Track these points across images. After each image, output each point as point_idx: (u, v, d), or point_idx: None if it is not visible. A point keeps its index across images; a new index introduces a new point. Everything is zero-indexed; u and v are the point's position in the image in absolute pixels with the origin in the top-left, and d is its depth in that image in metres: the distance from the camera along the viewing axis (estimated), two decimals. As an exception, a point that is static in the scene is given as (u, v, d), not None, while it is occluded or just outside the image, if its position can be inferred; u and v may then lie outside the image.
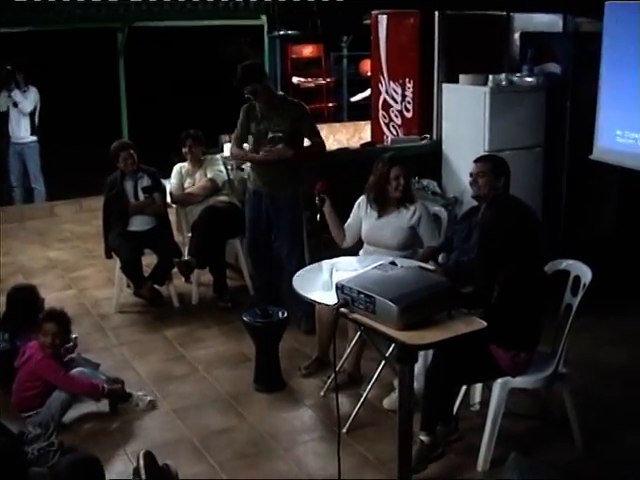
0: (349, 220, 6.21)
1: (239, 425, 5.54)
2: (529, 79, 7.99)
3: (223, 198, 7.91)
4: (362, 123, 11.34)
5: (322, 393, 5.91)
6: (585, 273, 4.96)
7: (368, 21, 9.37)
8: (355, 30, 10.94)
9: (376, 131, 9.55)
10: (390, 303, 3.72)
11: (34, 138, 11.35)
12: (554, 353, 4.98)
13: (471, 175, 5.74)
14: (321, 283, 4.91)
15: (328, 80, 15.22)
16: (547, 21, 8.36)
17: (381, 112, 9.34)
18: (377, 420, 5.50)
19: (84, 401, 5.73)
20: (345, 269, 5.09)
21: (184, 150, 7.94)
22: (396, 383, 5.60)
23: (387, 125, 9.26)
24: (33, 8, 9.35)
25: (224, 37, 12.86)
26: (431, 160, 8.30)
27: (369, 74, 10.54)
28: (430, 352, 5.00)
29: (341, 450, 4.46)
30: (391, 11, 8.94)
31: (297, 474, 4.94)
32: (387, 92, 9.17)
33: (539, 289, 4.79)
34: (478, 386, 5.46)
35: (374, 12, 9.10)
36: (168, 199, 7.97)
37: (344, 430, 5.25)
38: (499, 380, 4.86)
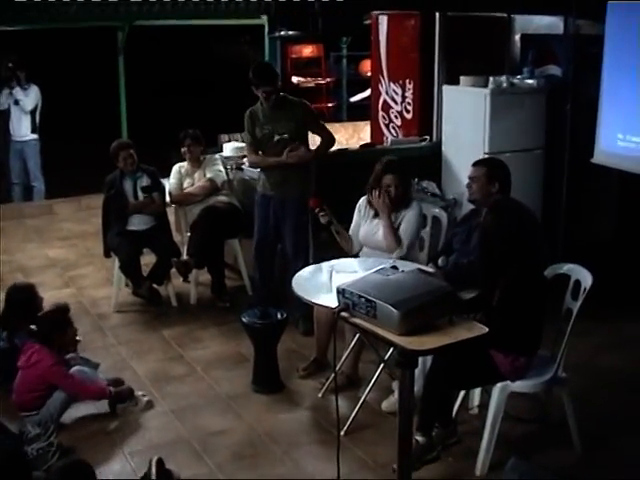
0: (352, 225, 6.19)
1: (237, 426, 5.53)
2: (530, 81, 7.98)
3: (222, 198, 7.89)
4: (361, 123, 11.31)
5: (320, 395, 5.90)
6: (585, 277, 4.94)
7: (368, 21, 9.37)
8: (355, 30, 10.92)
9: (376, 132, 9.54)
10: (391, 308, 3.71)
11: (35, 136, 11.34)
12: (554, 357, 4.98)
13: (468, 178, 5.75)
14: (320, 285, 4.90)
15: (328, 80, 15.18)
16: (548, 23, 8.36)
17: (381, 113, 9.34)
18: (375, 423, 5.49)
19: (83, 401, 5.72)
20: (344, 271, 5.10)
21: (183, 150, 7.92)
22: (394, 386, 5.60)
23: (387, 126, 9.26)
24: (34, 7, 9.32)
25: (224, 37, 12.85)
26: (431, 162, 8.29)
27: (369, 74, 10.53)
28: (430, 356, 4.99)
29: (340, 453, 4.46)
30: (392, 12, 8.93)
31: (295, 476, 4.93)
32: (387, 93, 9.17)
33: (539, 293, 4.78)
34: (477, 389, 5.44)
35: (374, 13, 9.09)
36: (167, 199, 7.95)
37: (342, 432, 5.23)
38: (498, 384, 4.85)
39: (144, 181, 7.68)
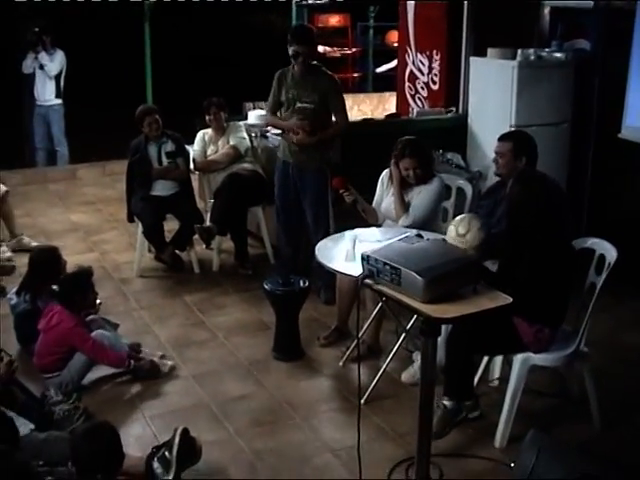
0: (376, 197, 6.16)
1: (257, 392, 5.55)
2: (558, 55, 7.92)
3: (246, 165, 7.89)
4: (387, 94, 11.30)
5: (341, 363, 5.91)
6: (610, 252, 4.91)
7: (397, -8, 9.32)
8: (383, 1, 10.88)
9: (401, 103, 9.50)
10: (416, 275, 3.70)
11: (59, 101, 11.34)
12: (576, 332, 4.95)
13: (495, 154, 5.72)
14: (344, 253, 4.90)
15: (354, 50, 15.17)
16: (578, -3, 8.28)
17: (407, 84, 9.30)
18: (395, 392, 5.50)
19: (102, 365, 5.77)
20: (368, 240, 5.09)
21: (208, 118, 7.91)
22: (415, 357, 5.60)
23: (413, 97, 9.21)
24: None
25: (252, 6, 12.76)
26: (456, 133, 8.24)
27: (395, 45, 10.50)
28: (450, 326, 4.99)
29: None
30: (420, -18, 8.87)
31: (314, 443, 4.95)
32: (414, 64, 9.12)
33: (566, 264, 4.76)
34: (498, 362, 5.44)
35: (403, -17, 9.04)
36: (191, 165, 7.95)
37: (362, 401, 5.23)
38: (519, 356, 4.84)
39: (169, 147, 7.69)
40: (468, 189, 6.38)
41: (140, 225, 7.62)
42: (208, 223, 7.57)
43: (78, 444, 3.96)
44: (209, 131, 8.03)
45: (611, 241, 5.02)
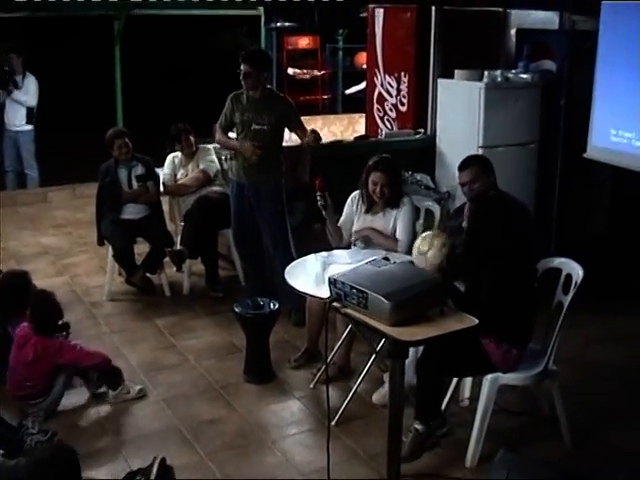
0: (342, 218, 6.18)
1: (228, 416, 5.55)
2: (524, 76, 8.00)
3: (216, 188, 7.90)
4: (356, 116, 11.34)
5: (311, 385, 5.92)
6: (576, 271, 4.97)
7: (365, 14, 9.38)
8: (351, 23, 10.94)
9: (370, 124, 9.54)
10: (382, 299, 3.74)
11: (30, 127, 11.29)
12: (544, 350, 5.00)
13: (462, 185, 5.75)
14: (314, 276, 4.93)
15: (323, 72, 15.22)
16: (543, 18, 8.37)
17: (376, 105, 9.34)
18: (366, 414, 5.51)
19: (77, 386, 5.78)
20: (338, 262, 5.12)
21: (179, 146, 7.95)
22: (385, 377, 5.62)
23: (382, 118, 9.26)
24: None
25: (221, 27, 12.82)
26: (425, 154, 8.29)
27: (364, 67, 10.53)
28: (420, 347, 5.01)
29: (330, 443, 4.49)
30: (388, 5, 8.94)
31: (285, 466, 4.96)
32: (382, 85, 9.17)
33: (528, 285, 4.81)
34: (468, 382, 5.47)
35: (371, 5, 9.10)
36: (161, 188, 7.95)
37: (333, 423, 5.24)
38: (489, 376, 4.88)
39: (139, 170, 7.68)
40: (436, 210, 6.43)
41: (110, 248, 7.60)
42: (179, 246, 7.57)
43: (35, 470, 3.92)
44: (179, 154, 8.04)
45: (579, 259, 5.07)
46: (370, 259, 4.28)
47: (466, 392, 5.52)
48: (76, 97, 15.11)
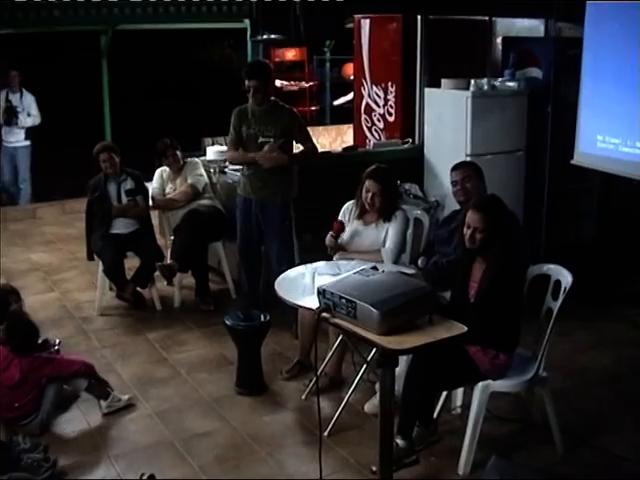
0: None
1: (221, 428, 5.54)
2: (511, 84, 8.03)
3: (205, 202, 7.91)
4: (345, 126, 11.37)
5: (304, 396, 5.91)
6: (565, 277, 4.98)
7: (351, 25, 9.40)
8: (337, 34, 10.96)
9: (358, 135, 9.57)
10: (371, 308, 3.75)
11: (27, 142, 11.42)
12: (535, 357, 5.01)
13: (455, 183, 5.77)
14: (303, 287, 4.93)
15: (311, 83, 15.24)
16: (529, 26, 8.43)
17: (363, 116, 9.37)
18: (358, 424, 5.51)
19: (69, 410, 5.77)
20: (327, 273, 5.12)
21: (166, 162, 7.96)
22: (377, 387, 5.62)
23: (369, 129, 9.28)
24: (17, 10, 9.30)
25: (208, 41, 12.85)
26: (413, 164, 8.31)
27: (352, 77, 10.56)
28: (411, 355, 5.01)
29: (322, 454, 4.50)
30: (374, 15, 8.96)
31: (278, 477, 4.95)
32: (369, 96, 9.20)
33: (517, 290, 4.82)
34: (459, 390, 5.47)
35: (357, 16, 9.12)
36: (150, 202, 7.96)
37: (325, 434, 5.26)
38: (480, 384, 4.88)
39: (128, 184, 7.69)
40: (425, 219, 6.45)
41: (101, 263, 7.60)
42: (169, 260, 7.58)
43: None
44: (167, 169, 8.04)
45: (568, 265, 5.09)
46: (359, 269, 4.29)
47: (458, 400, 5.52)
48: (64, 113, 15.11)
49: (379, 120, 9.13)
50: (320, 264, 5.47)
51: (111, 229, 7.67)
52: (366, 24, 9.10)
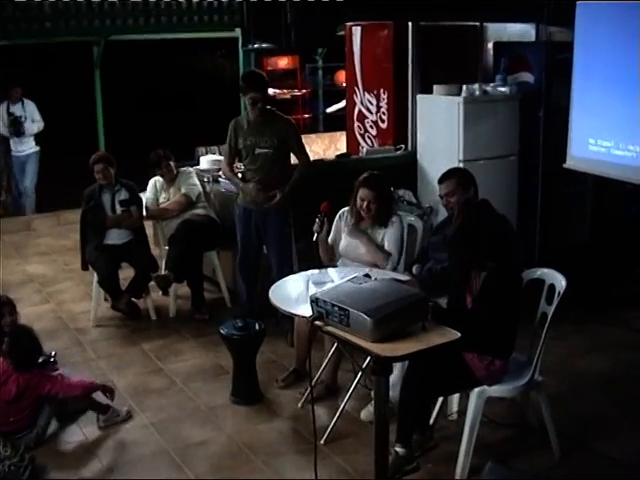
0: (332, 235, 6.20)
1: (217, 437, 5.54)
2: (502, 89, 8.04)
3: (199, 211, 7.91)
4: (338, 134, 11.38)
5: (299, 405, 5.91)
6: (560, 281, 4.99)
7: (342, 32, 9.41)
8: (328, 42, 10.97)
9: (351, 142, 9.58)
10: (364, 316, 3.74)
11: (37, 148, 11.69)
12: (530, 361, 5.01)
13: (440, 197, 5.78)
14: (298, 295, 4.93)
15: (304, 91, 15.24)
16: (520, 31, 8.44)
17: (356, 123, 9.38)
18: (355, 431, 5.51)
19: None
20: (321, 281, 5.12)
21: (160, 173, 7.96)
22: (373, 394, 5.62)
23: (362, 136, 9.29)
24: (9, 21, 9.30)
25: (200, 50, 12.87)
26: (406, 170, 8.32)
27: (344, 85, 10.57)
28: (406, 362, 5.01)
29: (319, 462, 4.52)
30: (365, 23, 8.97)
31: (275, 486, 4.96)
32: (362, 103, 9.21)
33: (513, 295, 4.82)
34: (456, 395, 5.47)
35: (348, 24, 9.13)
36: (144, 213, 7.95)
37: (322, 441, 5.27)
38: (476, 389, 4.88)
39: (122, 195, 7.68)
40: (419, 225, 6.45)
41: (95, 274, 7.60)
42: (164, 270, 7.57)
43: None
44: (160, 178, 8.04)
45: (562, 269, 5.10)
46: (351, 276, 4.29)
47: (454, 406, 5.53)
48: (58, 123, 15.10)
49: (372, 127, 9.14)
50: (314, 272, 5.46)
51: (105, 240, 7.66)
52: (357, 31, 9.12)
